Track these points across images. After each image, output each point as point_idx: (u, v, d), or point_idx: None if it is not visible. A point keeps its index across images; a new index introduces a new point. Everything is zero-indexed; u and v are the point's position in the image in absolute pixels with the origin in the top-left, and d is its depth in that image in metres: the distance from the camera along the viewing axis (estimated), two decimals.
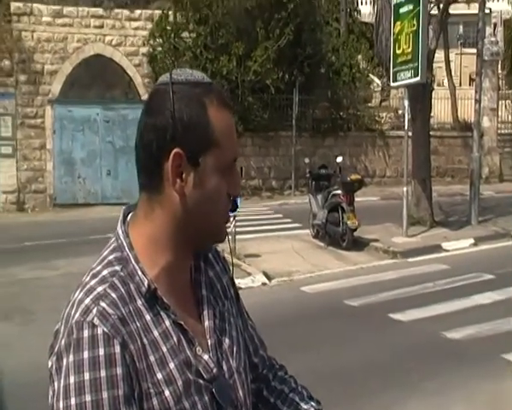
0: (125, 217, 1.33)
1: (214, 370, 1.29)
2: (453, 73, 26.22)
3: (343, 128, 21.44)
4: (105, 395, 1.14)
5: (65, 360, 1.16)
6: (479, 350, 6.63)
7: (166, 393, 1.21)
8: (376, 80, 25.04)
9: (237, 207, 1.35)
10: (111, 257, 1.27)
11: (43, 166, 18.98)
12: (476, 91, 14.65)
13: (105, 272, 1.24)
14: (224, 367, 1.32)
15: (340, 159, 12.90)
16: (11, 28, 18.64)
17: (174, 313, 1.26)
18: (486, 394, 5.59)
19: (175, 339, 1.25)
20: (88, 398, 1.13)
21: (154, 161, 1.24)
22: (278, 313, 8.04)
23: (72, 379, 1.14)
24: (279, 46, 19.03)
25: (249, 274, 9.90)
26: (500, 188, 20.30)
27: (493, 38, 25.03)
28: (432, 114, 16.06)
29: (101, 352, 1.15)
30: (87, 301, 1.19)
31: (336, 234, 11.83)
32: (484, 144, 21.40)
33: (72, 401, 1.13)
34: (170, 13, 19.45)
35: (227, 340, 1.36)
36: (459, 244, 12.03)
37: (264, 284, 9.63)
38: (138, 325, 1.21)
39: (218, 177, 1.25)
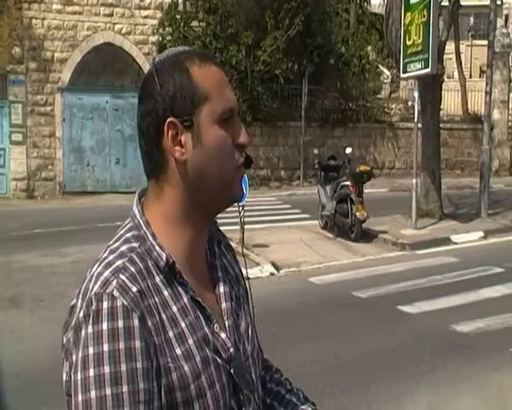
0: (139, 198, 1.35)
1: (231, 349, 1.29)
2: (463, 65, 26.11)
3: (352, 119, 21.37)
4: (123, 367, 1.13)
5: (83, 332, 1.15)
6: (487, 344, 6.61)
7: (186, 368, 1.20)
8: (386, 71, 24.93)
9: (251, 161, 1.33)
10: (128, 235, 1.27)
11: (53, 153, 19.05)
12: (487, 83, 14.55)
13: (123, 248, 1.24)
14: (241, 350, 1.32)
15: (349, 150, 12.86)
16: (22, 16, 18.68)
17: (192, 290, 1.26)
18: (495, 387, 5.58)
19: (193, 315, 1.25)
20: (107, 369, 1.12)
21: (154, 142, 1.26)
22: (286, 303, 8.04)
23: (90, 350, 1.13)
24: (288, 36, 18.96)
25: (257, 264, 9.90)
26: (510, 181, 20.19)
27: (504, 30, 24.86)
28: (442, 106, 15.99)
29: (121, 324, 1.14)
30: (106, 273, 1.19)
31: (345, 225, 11.81)
32: (494, 137, 21.29)
33: (91, 372, 1.12)
34: (179, 2, 19.42)
35: (243, 324, 1.37)
36: (468, 237, 11.98)
37: (272, 274, 9.63)
38: (157, 300, 1.21)
39: (217, 129, 1.26)
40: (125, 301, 1.15)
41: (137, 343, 1.15)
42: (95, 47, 19.08)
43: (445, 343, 6.63)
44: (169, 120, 1.24)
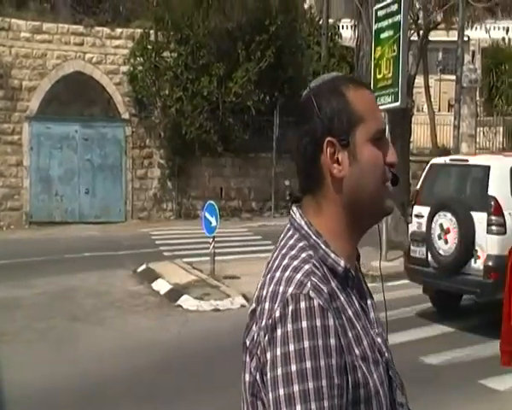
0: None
1: (386, 353, 1.39)
2: (432, 99, 26.53)
3: None
4: (322, 362, 1.21)
5: (279, 331, 1.23)
6: (456, 375, 6.60)
7: (364, 368, 1.29)
8: None
9: (398, 180, 1.42)
10: (301, 244, 1.35)
11: (20, 183, 18.74)
12: (455, 117, 14.82)
13: (303, 255, 1.31)
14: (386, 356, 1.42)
15: None
16: None
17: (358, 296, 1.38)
18: None
19: (363, 319, 1.35)
20: (308, 365, 1.20)
21: (312, 161, 1.38)
22: None
23: (291, 347, 1.21)
24: (260, 68, 19.09)
25: (228, 296, 9.80)
26: None
27: (471, 66, 25.32)
28: (411, 139, 16.17)
29: (318, 323, 1.22)
30: (298, 276, 1.26)
31: None
32: None
33: (293, 367, 1.20)
34: (151, 32, 19.45)
35: (383, 333, 1.46)
36: None
37: (242, 306, 9.51)
38: (338, 303, 1.29)
39: (371, 148, 1.37)
40: (320, 302, 1.24)
41: (332, 341, 1.23)
42: (64, 76, 18.93)
43: (414, 375, 6.58)
44: (328, 139, 1.35)
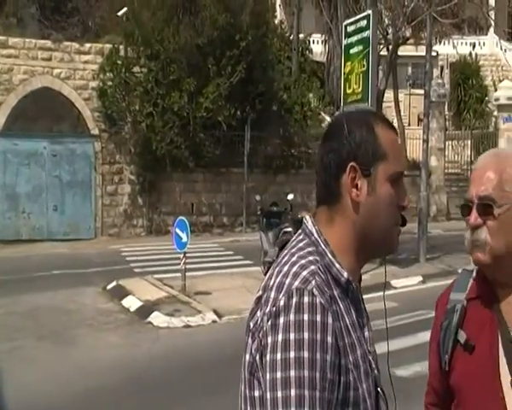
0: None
1: (375, 371, 1.48)
2: (402, 113, 26.78)
3: (294, 166, 21.54)
4: (318, 356, 1.29)
5: (282, 319, 1.32)
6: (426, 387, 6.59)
7: (355, 374, 1.37)
8: (327, 118, 25.32)
9: (406, 221, 1.52)
10: (310, 249, 1.44)
11: None
12: (424, 131, 14.93)
13: (310, 258, 1.41)
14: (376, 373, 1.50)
15: (291, 196, 12.90)
16: None
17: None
18: None
19: (358, 332, 1.44)
20: (305, 354, 1.29)
21: (333, 177, 1.46)
22: (228, 350, 7.87)
23: (292, 335, 1.30)
24: (231, 83, 19.08)
25: (199, 312, 9.72)
26: (447, 226, 20.60)
27: (440, 80, 25.68)
28: None
29: (319, 318, 1.31)
30: (304, 273, 1.36)
31: None
32: (432, 183, 21.78)
33: (292, 354, 1.29)
34: (121, 47, 19.34)
35: (376, 353, 1.53)
36: (408, 282, 12.10)
37: (214, 321, 9.46)
38: (337, 309, 1.38)
39: (388, 186, 1.46)
40: (322, 301, 1.33)
41: (329, 338, 1.32)
42: (32, 91, 18.67)
43: (385, 388, 6.57)
44: (351, 164, 1.43)
